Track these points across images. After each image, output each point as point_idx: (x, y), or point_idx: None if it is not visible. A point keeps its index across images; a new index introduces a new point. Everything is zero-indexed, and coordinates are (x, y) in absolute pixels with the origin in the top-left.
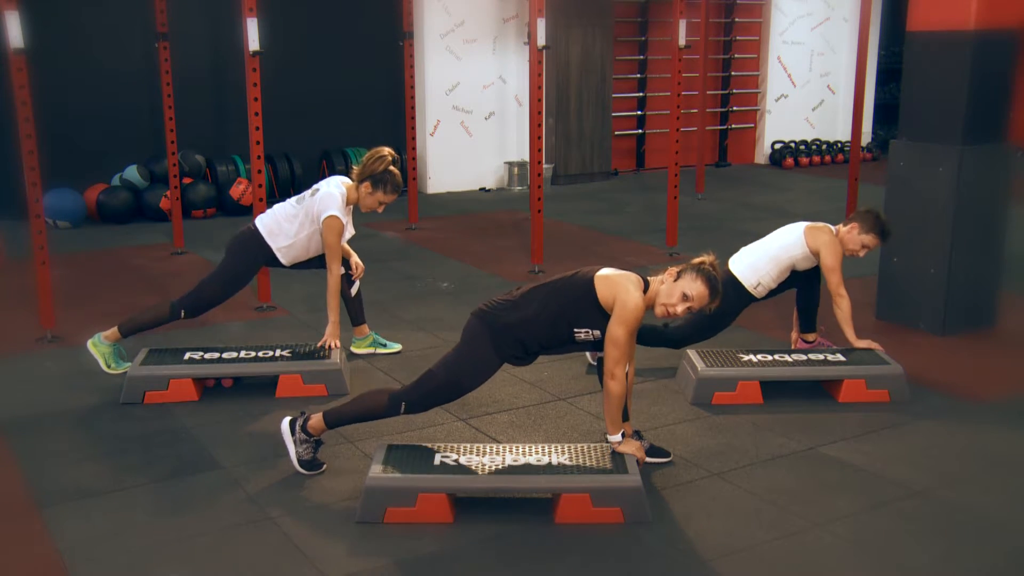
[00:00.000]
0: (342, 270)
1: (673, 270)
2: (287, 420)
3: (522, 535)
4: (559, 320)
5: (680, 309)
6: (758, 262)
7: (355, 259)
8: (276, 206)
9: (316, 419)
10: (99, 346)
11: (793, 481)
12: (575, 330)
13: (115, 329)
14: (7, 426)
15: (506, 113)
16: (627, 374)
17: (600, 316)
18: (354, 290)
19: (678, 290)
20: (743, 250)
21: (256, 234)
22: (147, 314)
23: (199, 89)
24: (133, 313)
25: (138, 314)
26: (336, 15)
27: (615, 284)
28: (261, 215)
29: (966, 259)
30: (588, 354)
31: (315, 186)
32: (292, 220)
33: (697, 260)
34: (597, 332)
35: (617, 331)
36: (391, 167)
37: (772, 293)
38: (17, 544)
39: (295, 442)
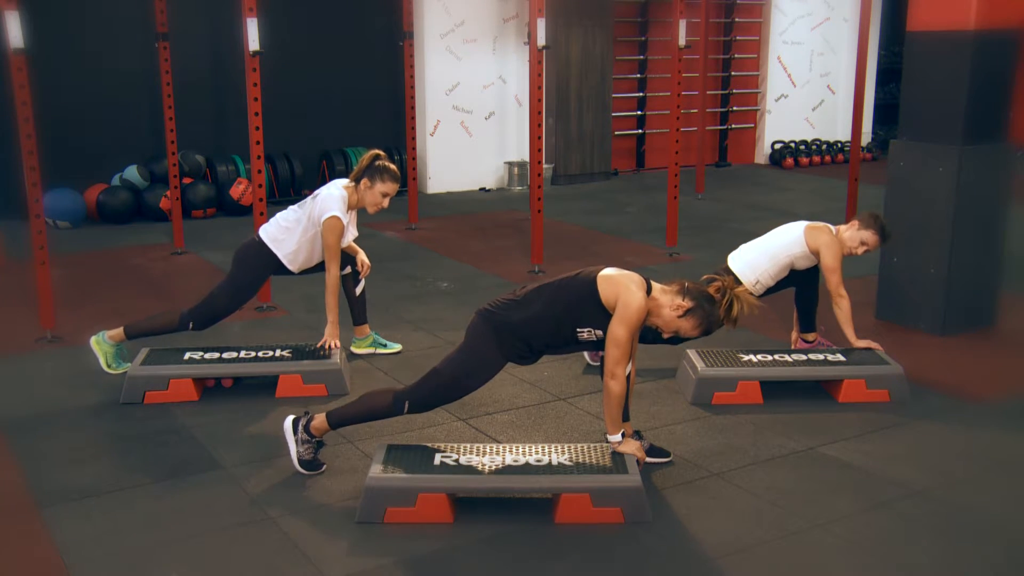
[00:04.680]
0: (346, 270)
1: (683, 298)
2: (290, 419)
3: (522, 535)
4: (563, 320)
5: (667, 335)
6: (757, 260)
7: (362, 256)
8: (278, 214)
9: (319, 420)
10: (102, 344)
11: (793, 481)
12: (578, 330)
13: (121, 330)
14: (7, 426)
15: (506, 113)
16: (628, 374)
17: (602, 316)
18: (359, 289)
19: (675, 324)
20: (742, 247)
21: (261, 244)
22: (155, 320)
23: (199, 89)
24: (142, 318)
25: (146, 320)
26: (336, 15)
27: (618, 284)
28: (264, 225)
29: (966, 259)
30: (587, 355)
31: (316, 191)
32: (295, 225)
33: (708, 302)
34: (600, 332)
35: (618, 331)
36: (382, 160)
37: (770, 291)
38: (17, 544)
39: (296, 442)
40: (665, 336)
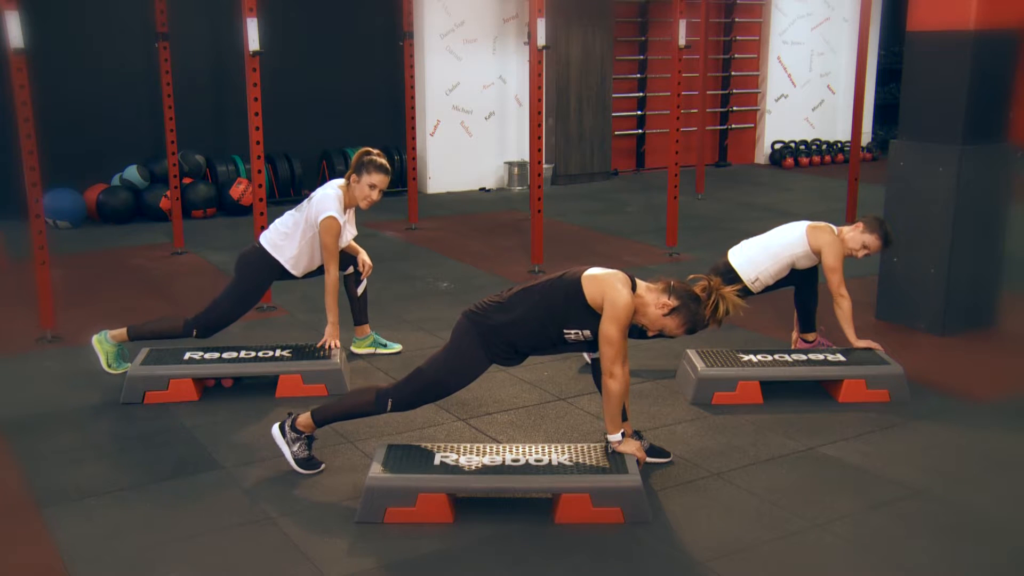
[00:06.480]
0: (348, 270)
1: (668, 297)
2: (276, 425)
3: (522, 535)
4: (548, 321)
5: (651, 334)
6: (758, 257)
7: (363, 256)
8: (276, 221)
9: (304, 417)
10: (104, 344)
11: (793, 481)
12: (565, 331)
13: (124, 330)
14: (7, 426)
15: (506, 113)
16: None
17: (589, 316)
18: (360, 289)
19: (660, 323)
20: (743, 243)
21: (262, 251)
22: (159, 324)
23: (199, 89)
24: (143, 318)
25: (151, 322)
26: (336, 15)
27: (603, 283)
28: (264, 232)
29: (966, 259)
30: (586, 353)
31: (312, 194)
32: (294, 230)
33: (693, 301)
34: (587, 332)
35: (610, 329)
36: (371, 155)
37: (768, 289)
38: (17, 544)
39: (288, 443)
40: (650, 335)
